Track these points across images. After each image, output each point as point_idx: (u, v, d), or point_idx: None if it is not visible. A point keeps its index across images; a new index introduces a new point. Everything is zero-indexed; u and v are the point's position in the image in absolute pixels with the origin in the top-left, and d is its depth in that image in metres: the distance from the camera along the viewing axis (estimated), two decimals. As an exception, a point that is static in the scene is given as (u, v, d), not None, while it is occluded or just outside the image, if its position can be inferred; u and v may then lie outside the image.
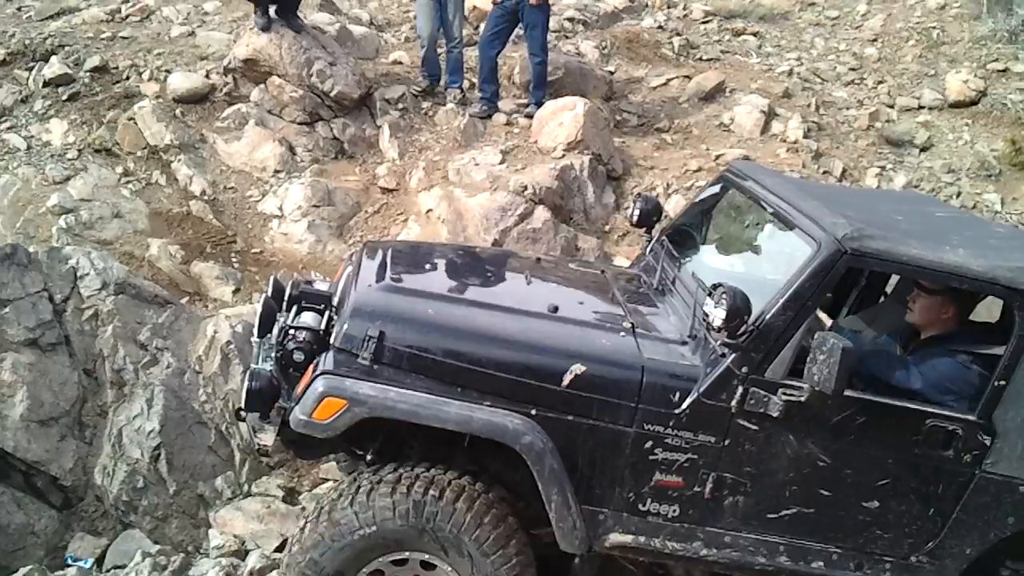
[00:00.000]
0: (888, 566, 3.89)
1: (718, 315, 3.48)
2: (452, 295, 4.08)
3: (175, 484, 5.47)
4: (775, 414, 3.58)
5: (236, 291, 6.86)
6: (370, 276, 4.08)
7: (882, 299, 5.06)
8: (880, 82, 10.58)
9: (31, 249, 6.00)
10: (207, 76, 8.46)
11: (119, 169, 7.63)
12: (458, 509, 3.61)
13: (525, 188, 7.43)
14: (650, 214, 4.89)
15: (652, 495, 3.73)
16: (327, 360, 3.67)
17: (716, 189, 4.89)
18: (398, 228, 7.54)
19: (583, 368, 3.61)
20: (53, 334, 5.65)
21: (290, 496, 5.57)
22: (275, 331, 4.00)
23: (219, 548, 4.99)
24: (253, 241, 7.44)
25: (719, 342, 3.60)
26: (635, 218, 4.92)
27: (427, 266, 4.41)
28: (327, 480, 5.64)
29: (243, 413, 3.92)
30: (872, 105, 10.10)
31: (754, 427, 3.64)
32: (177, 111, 8.15)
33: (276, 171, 7.89)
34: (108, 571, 4.74)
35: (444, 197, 7.50)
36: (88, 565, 4.87)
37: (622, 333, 3.86)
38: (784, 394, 3.56)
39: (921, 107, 10.21)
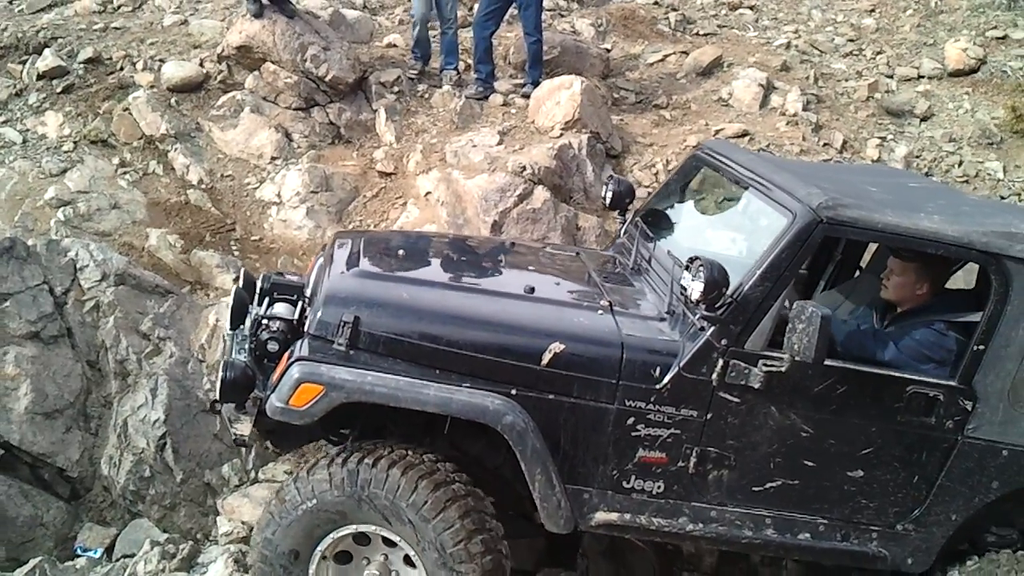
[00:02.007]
0: (875, 535, 3.90)
1: (696, 288, 3.49)
2: (426, 279, 4.06)
3: (182, 472, 5.47)
4: (756, 385, 3.58)
5: (237, 279, 6.81)
6: (342, 264, 4.08)
7: (857, 273, 5.04)
8: (879, 52, 10.50)
9: (30, 242, 5.99)
10: (201, 64, 8.41)
11: (116, 160, 7.60)
12: (391, 475, 3.57)
13: (524, 168, 7.39)
14: (623, 196, 4.89)
15: (636, 472, 3.73)
16: (302, 347, 3.67)
17: (689, 169, 4.88)
18: (397, 212, 7.51)
19: (562, 347, 3.62)
20: (55, 326, 5.65)
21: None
22: (248, 323, 4.00)
23: (227, 535, 5.00)
24: (252, 228, 7.41)
25: (698, 316, 3.60)
26: (608, 200, 4.89)
27: (399, 253, 4.39)
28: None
29: (218, 405, 3.92)
30: (871, 76, 10.03)
31: (736, 399, 3.64)
32: (172, 100, 8.10)
33: (273, 158, 7.86)
34: (117, 560, 4.74)
35: (442, 180, 7.46)
36: (97, 555, 4.88)
37: (600, 311, 3.85)
38: (764, 365, 3.57)
39: (920, 77, 10.14)
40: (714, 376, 3.60)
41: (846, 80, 9.97)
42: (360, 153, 8.15)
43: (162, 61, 8.39)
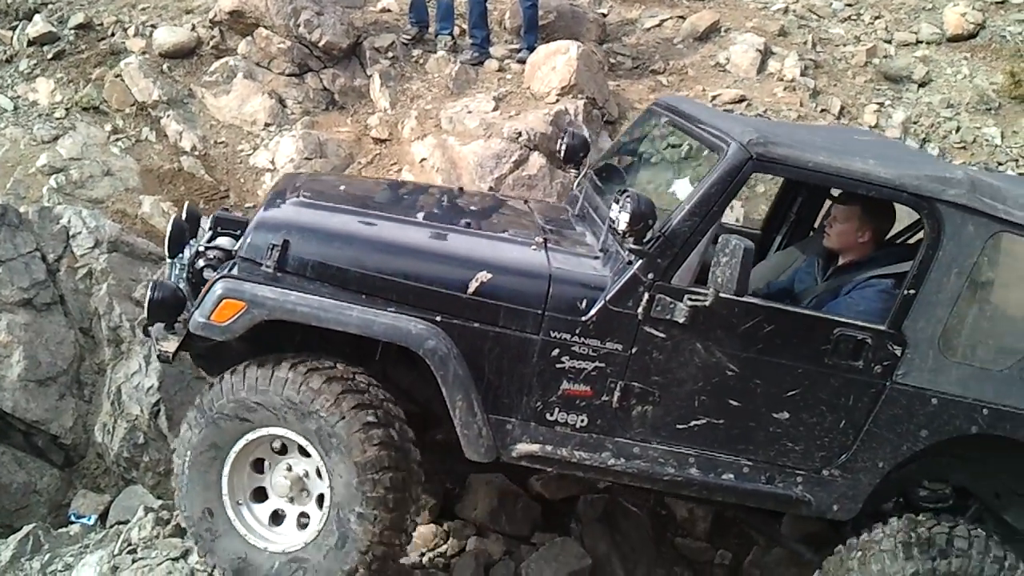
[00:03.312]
0: (800, 479, 3.86)
1: (622, 219, 3.47)
2: (361, 209, 4.02)
3: (176, 440, 5.46)
4: (681, 320, 3.57)
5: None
6: (280, 196, 4.11)
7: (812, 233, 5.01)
8: (877, 17, 10.41)
9: (22, 209, 5.98)
10: (193, 30, 8.34)
11: (108, 127, 7.57)
12: (285, 372, 3.57)
13: (519, 134, 7.35)
14: (576, 150, 4.77)
15: (560, 404, 3.72)
16: (229, 268, 3.71)
17: (642, 123, 4.84)
18: (393, 178, 7.47)
19: (488, 276, 3.62)
20: (47, 294, 5.63)
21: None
22: (186, 252, 4.02)
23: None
24: (246, 195, 7.38)
25: (626, 249, 3.59)
26: (562, 153, 4.81)
27: (343, 189, 4.38)
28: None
29: (149, 329, 3.93)
30: (869, 41, 9.94)
31: (661, 334, 3.62)
32: (164, 66, 8.05)
33: (267, 124, 7.82)
34: (111, 527, 4.75)
35: (437, 146, 7.42)
36: (91, 521, 4.89)
37: (533, 247, 3.84)
38: (690, 299, 3.54)
39: (919, 42, 10.06)
40: (640, 310, 3.57)
41: (844, 45, 9.89)
42: (354, 119, 8.11)
43: (154, 27, 8.32)
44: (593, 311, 3.61)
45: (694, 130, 4.02)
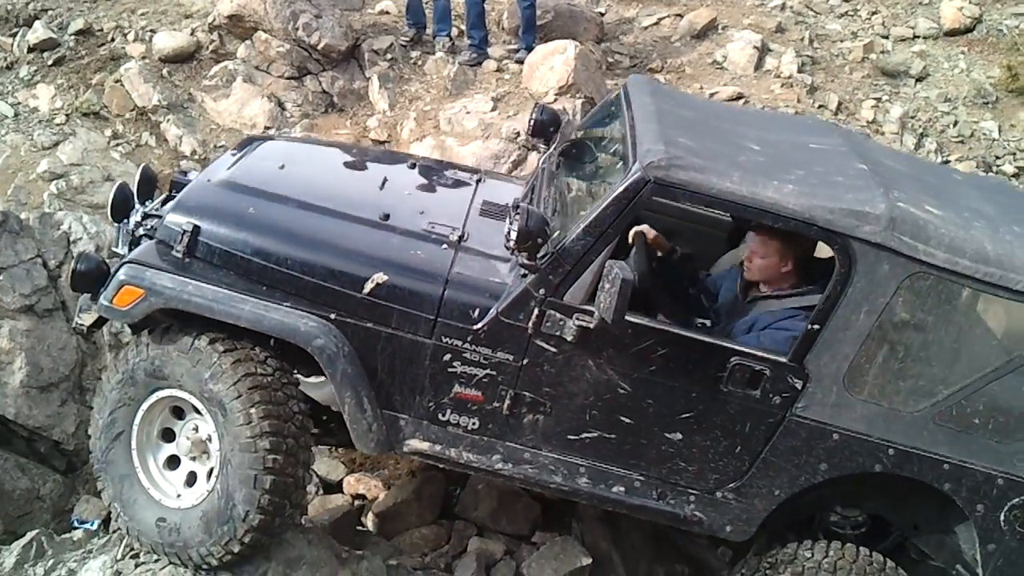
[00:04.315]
0: (692, 498, 3.85)
1: (511, 235, 3.46)
2: (284, 195, 3.97)
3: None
4: (569, 338, 3.56)
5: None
6: (214, 171, 4.13)
7: None
8: (874, 13, 10.43)
9: (23, 216, 5.97)
10: (192, 34, 8.37)
11: (108, 132, 7.59)
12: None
13: (518, 134, 7.37)
14: (546, 125, 4.71)
15: (452, 406, 3.75)
16: (142, 250, 3.76)
17: (607, 105, 4.67)
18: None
19: (385, 277, 3.63)
20: (49, 300, 5.64)
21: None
22: (132, 218, 4.04)
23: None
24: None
25: (519, 263, 3.58)
26: (531, 128, 4.75)
27: (285, 164, 4.33)
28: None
29: (85, 304, 4.02)
30: (866, 36, 9.97)
31: (552, 349, 3.62)
32: (164, 71, 8.08)
33: (266, 127, 7.83)
34: (114, 532, 4.76)
35: (436, 147, 7.45)
36: (95, 527, 4.89)
37: (444, 246, 3.82)
38: (577, 319, 3.54)
39: (916, 36, 10.09)
40: (530, 324, 3.57)
41: (841, 41, 9.91)
42: (354, 121, 8.13)
43: (153, 32, 8.35)
44: (484, 321, 3.61)
45: (625, 131, 3.90)
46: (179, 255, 3.65)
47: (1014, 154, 8.55)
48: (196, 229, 3.66)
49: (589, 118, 4.93)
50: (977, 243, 3.57)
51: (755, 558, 4.05)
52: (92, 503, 5.09)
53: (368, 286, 3.63)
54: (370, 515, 5.18)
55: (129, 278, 3.64)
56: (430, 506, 5.16)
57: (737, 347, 3.63)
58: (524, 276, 3.59)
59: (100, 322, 4.05)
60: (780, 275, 3.93)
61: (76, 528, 4.91)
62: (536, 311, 3.56)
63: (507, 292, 3.62)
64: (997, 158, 8.52)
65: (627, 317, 3.42)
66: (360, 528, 5.12)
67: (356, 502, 5.36)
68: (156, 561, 3.96)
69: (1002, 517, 3.73)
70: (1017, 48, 9.58)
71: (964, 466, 3.69)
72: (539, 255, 3.53)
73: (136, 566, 4.02)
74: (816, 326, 3.54)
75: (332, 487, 5.49)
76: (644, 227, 4.32)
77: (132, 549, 4.05)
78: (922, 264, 3.49)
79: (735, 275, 4.24)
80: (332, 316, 3.64)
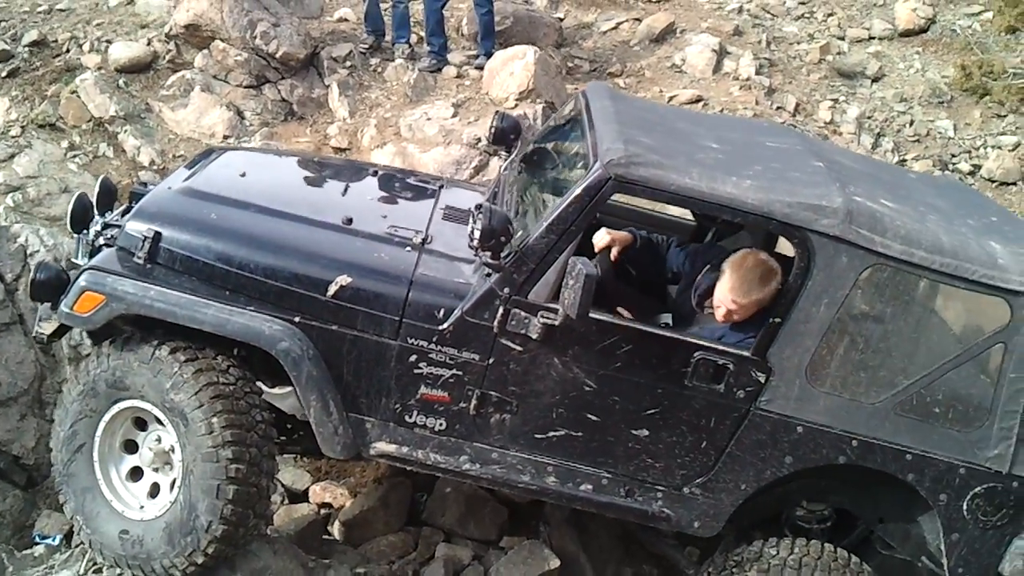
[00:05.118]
0: (660, 495, 3.88)
1: (474, 234, 3.51)
2: (245, 201, 3.98)
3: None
4: (535, 336, 3.59)
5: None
6: (174, 179, 4.13)
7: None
8: (830, 14, 10.56)
9: (-22, 230, 5.90)
10: (149, 44, 8.28)
11: (64, 144, 7.48)
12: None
13: (479, 140, 7.38)
14: (507, 132, 4.75)
15: (419, 408, 3.76)
16: (103, 257, 3.76)
17: (567, 111, 4.67)
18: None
19: (348, 280, 3.65)
20: (6, 314, 5.57)
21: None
22: (92, 228, 4.04)
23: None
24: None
25: (483, 262, 3.61)
26: (491, 136, 4.79)
27: (246, 172, 4.36)
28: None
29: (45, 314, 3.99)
30: (823, 38, 10.09)
31: (518, 347, 3.65)
32: (120, 81, 7.98)
33: (225, 136, 7.76)
34: (77, 547, 4.70)
35: (398, 153, 7.44)
36: (56, 542, 4.82)
37: (408, 248, 3.85)
38: (542, 317, 3.57)
39: (872, 37, 10.22)
40: (495, 323, 3.60)
41: (798, 43, 10.02)
42: (314, 129, 8.09)
43: (109, 42, 8.24)
44: (450, 321, 3.63)
45: (585, 133, 3.93)
46: (140, 261, 3.64)
47: (969, 152, 8.68)
48: (157, 236, 3.66)
49: (549, 124, 4.94)
50: (932, 235, 3.63)
51: (721, 556, 4.08)
52: (54, 518, 5.00)
53: (332, 289, 3.64)
54: (336, 524, 5.14)
55: (90, 284, 3.63)
56: (397, 513, 5.15)
57: (701, 342, 3.66)
58: (488, 275, 3.61)
59: (60, 331, 4.02)
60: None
61: (38, 544, 4.84)
62: (501, 310, 3.58)
63: (472, 292, 3.64)
64: (953, 156, 8.64)
65: (591, 314, 3.45)
66: (327, 537, 5.09)
67: (322, 511, 5.32)
68: (120, 575, 3.91)
69: (965, 506, 3.78)
70: (970, 48, 9.73)
71: (926, 456, 3.73)
72: (503, 254, 3.55)
73: (99, 580, 3.98)
74: (777, 320, 3.58)
75: (298, 496, 5.45)
76: (602, 231, 4.33)
77: (95, 564, 4.01)
78: (879, 256, 3.54)
79: (709, 277, 4.15)
80: (296, 319, 3.65)
